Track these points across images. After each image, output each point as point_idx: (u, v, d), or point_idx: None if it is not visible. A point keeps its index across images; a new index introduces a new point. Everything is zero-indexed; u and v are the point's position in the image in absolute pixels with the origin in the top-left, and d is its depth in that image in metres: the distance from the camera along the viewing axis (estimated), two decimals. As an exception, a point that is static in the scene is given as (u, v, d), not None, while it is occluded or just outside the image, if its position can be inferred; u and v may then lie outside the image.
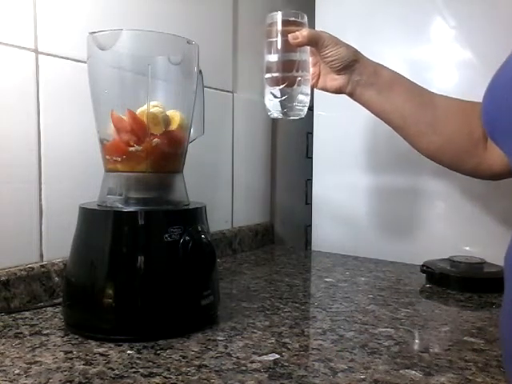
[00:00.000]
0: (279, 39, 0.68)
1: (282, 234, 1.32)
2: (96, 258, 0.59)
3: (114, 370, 0.49)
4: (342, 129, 1.13)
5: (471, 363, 0.53)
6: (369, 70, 0.69)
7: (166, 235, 0.58)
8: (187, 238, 0.59)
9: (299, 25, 0.68)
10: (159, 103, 0.62)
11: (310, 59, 0.71)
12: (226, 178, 1.12)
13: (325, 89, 0.73)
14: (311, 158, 1.19)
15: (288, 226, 1.35)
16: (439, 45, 0.99)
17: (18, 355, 0.52)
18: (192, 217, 0.63)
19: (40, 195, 0.71)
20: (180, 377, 0.48)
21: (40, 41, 0.71)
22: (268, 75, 0.69)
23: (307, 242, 1.33)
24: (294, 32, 0.67)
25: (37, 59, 0.70)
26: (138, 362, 0.51)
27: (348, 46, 0.69)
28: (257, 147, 1.22)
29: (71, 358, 0.52)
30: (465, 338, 0.61)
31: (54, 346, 0.55)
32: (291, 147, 1.35)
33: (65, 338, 0.57)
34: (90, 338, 0.57)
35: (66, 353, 0.53)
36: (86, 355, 0.53)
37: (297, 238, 1.37)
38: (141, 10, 0.86)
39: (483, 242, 0.93)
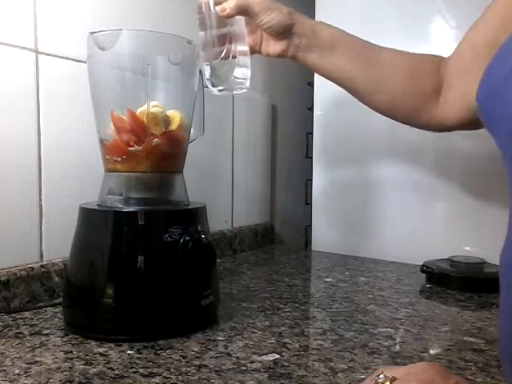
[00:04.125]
0: (208, 14, 0.66)
1: (282, 234, 1.32)
2: (96, 258, 0.59)
3: (114, 370, 0.49)
4: (341, 129, 1.13)
5: (471, 363, 0.53)
6: (307, 31, 0.66)
7: (166, 235, 0.58)
8: (187, 238, 0.59)
9: None
10: (159, 103, 0.62)
11: (246, 28, 0.67)
12: (226, 178, 1.12)
13: (268, 54, 0.70)
14: (311, 158, 1.19)
15: (288, 226, 1.35)
16: (439, 45, 0.99)
17: (17, 355, 0.52)
18: (192, 217, 0.63)
19: (40, 195, 0.71)
20: (180, 377, 0.48)
21: (40, 41, 0.71)
22: (202, 52, 0.67)
23: (307, 241, 1.33)
24: (220, 4, 0.64)
25: (37, 59, 0.70)
26: (137, 362, 0.51)
27: (281, 9, 0.65)
28: (257, 147, 1.22)
29: (71, 358, 0.52)
30: (465, 338, 0.61)
31: (54, 346, 0.55)
32: (291, 147, 1.35)
33: (65, 338, 0.57)
34: (89, 338, 0.57)
35: (66, 353, 0.53)
36: (86, 355, 0.53)
37: (297, 238, 1.37)
38: (141, 10, 0.86)
39: (483, 242, 0.93)
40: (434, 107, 0.65)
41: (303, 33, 0.66)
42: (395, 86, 0.67)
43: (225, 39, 0.66)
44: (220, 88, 0.68)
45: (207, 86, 0.68)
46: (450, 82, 0.64)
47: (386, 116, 0.71)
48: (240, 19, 0.67)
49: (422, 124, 0.69)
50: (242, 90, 0.68)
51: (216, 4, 0.65)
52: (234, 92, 0.69)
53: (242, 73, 0.67)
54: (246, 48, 0.68)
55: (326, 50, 0.66)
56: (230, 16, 0.65)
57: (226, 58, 0.66)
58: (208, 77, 0.68)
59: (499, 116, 0.42)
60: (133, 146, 0.61)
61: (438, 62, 0.66)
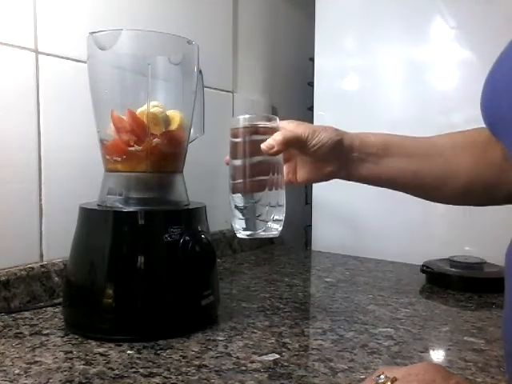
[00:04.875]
0: (243, 141, 0.57)
1: (282, 234, 1.32)
2: (96, 258, 0.59)
3: (114, 370, 0.49)
4: (341, 129, 1.12)
5: (471, 363, 0.53)
6: (356, 143, 0.60)
7: (166, 235, 0.58)
8: (187, 238, 0.59)
9: (269, 130, 0.57)
10: (159, 103, 0.62)
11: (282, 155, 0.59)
12: (225, 177, 1.11)
13: (310, 181, 0.64)
14: (311, 158, 1.19)
15: (288, 226, 1.35)
16: (439, 45, 0.99)
17: (17, 355, 0.52)
18: (192, 217, 0.63)
19: (40, 195, 0.71)
20: (180, 377, 0.48)
21: (40, 41, 0.71)
22: (231, 182, 0.59)
23: (307, 241, 1.33)
24: (263, 139, 0.56)
25: (37, 59, 0.70)
26: (138, 362, 0.51)
27: (325, 128, 0.60)
28: (257, 147, 1.22)
29: (71, 358, 0.52)
30: (465, 338, 0.61)
31: (54, 346, 0.55)
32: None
33: (65, 338, 0.57)
34: (90, 338, 0.57)
35: (66, 353, 0.53)
36: (86, 355, 0.53)
37: (297, 238, 1.37)
38: (141, 10, 0.86)
39: (483, 242, 0.93)
40: (509, 177, 0.56)
41: (353, 146, 0.60)
42: (463, 167, 0.59)
43: (259, 170, 0.58)
44: (252, 232, 0.57)
45: (235, 228, 0.58)
46: None
47: (462, 205, 0.64)
48: None
49: (502, 199, 0.60)
50: (272, 235, 0.59)
51: (255, 133, 0.57)
52: (264, 236, 0.59)
53: (280, 213, 0.58)
54: (282, 180, 0.59)
55: (380, 156, 0.61)
56: (279, 153, 0.57)
57: (259, 190, 0.57)
58: (233, 214, 0.58)
59: (507, 113, 0.42)
60: (133, 146, 0.61)
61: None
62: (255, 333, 0.61)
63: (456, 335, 0.62)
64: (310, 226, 1.20)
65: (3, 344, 0.55)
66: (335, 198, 1.14)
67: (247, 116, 0.58)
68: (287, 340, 0.58)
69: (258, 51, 1.21)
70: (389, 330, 0.63)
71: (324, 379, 0.48)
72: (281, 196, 0.59)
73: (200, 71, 0.68)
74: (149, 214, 0.59)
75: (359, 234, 1.11)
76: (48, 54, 0.72)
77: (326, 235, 1.17)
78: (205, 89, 0.71)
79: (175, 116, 0.64)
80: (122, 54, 0.62)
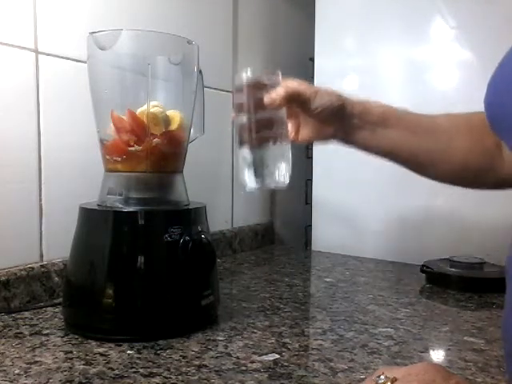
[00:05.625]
0: (249, 97, 0.58)
1: (282, 234, 1.32)
2: (96, 258, 0.59)
3: (114, 370, 0.49)
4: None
5: (471, 363, 0.53)
6: (358, 110, 0.61)
7: (166, 235, 0.58)
8: (187, 238, 0.59)
9: (272, 85, 0.59)
10: (159, 103, 0.62)
11: (285, 111, 0.60)
12: (225, 177, 1.12)
13: (311, 140, 0.65)
14: (311, 158, 1.19)
15: (288, 226, 1.35)
16: (439, 45, 0.99)
17: (17, 355, 0.52)
18: (192, 217, 0.63)
19: (40, 195, 0.71)
20: (180, 377, 0.48)
21: (40, 41, 0.71)
22: (238, 138, 0.59)
23: (307, 241, 1.33)
24: (267, 93, 0.58)
25: (37, 59, 0.70)
26: (138, 361, 0.51)
27: (329, 91, 0.61)
28: (257, 147, 1.22)
29: (71, 358, 0.52)
30: (465, 338, 0.61)
31: (54, 346, 0.55)
32: (291, 147, 1.35)
33: (65, 338, 0.57)
34: (90, 338, 0.57)
35: (66, 353, 0.53)
36: (86, 355, 0.53)
37: (297, 238, 1.37)
38: (141, 10, 0.86)
39: (483, 242, 0.93)
40: (499, 164, 0.60)
41: (355, 112, 0.61)
42: (460, 150, 0.61)
43: (264, 125, 0.59)
44: (260, 185, 0.58)
45: (244, 181, 0.59)
46: None
47: (451, 184, 0.65)
48: None
49: (490, 184, 0.63)
50: (285, 184, 0.59)
51: (258, 89, 0.58)
52: (272, 187, 0.60)
53: (286, 166, 0.59)
54: (286, 133, 0.61)
55: (379, 125, 0.62)
56: (281, 107, 0.58)
57: (264, 144, 0.58)
58: (242, 168, 0.59)
59: (510, 111, 0.42)
60: (133, 146, 0.61)
61: None
62: (255, 333, 0.61)
63: (456, 335, 0.62)
64: (310, 226, 1.20)
65: (3, 344, 0.55)
66: (335, 198, 1.14)
67: (250, 72, 0.59)
68: (287, 340, 0.58)
69: (257, 51, 1.21)
70: (389, 330, 0.63)
71: (324, 379, 0.48)
72: (286, 149, 0.60)
73: (200, 71, 0.68)
74: (149, 214, 0.59)
75: (359, 234, 1.11)
76: (48, 54, 0.72)
77: (326, 235, 1.17)
78: (205, 89, 0.71)
79: (175, 116, 0.64)
80: (121, 54, 0.62)
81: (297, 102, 0.60)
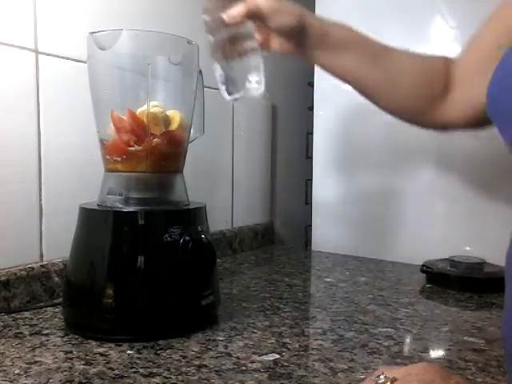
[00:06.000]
0: (215, 17, 0.62)
1: (282, 234, 1.32)
2: (96, 258, 0.59)
3: (114, 370, 0.49)
4: (342, 129, 1.13)
5: (471, 363, 0.53)
6: (317, 32, 0.64)
7: (166, 235, 0.58)
8: (187, 238, 0.59)
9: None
10: (159, 103, 0.62)
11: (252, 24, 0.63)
12: (226, 177, 1.12)
13: (283, 51, 0.67)
14: (311, 157, 1.19)
15: (288, 226, 1.35)
16: (439, 45, 0.99)
17: (17, 355, 0.52)
18: (192, 217, 0.63)
19: (40, 195, 0.71)
20: (180, 377, 0.48)
21: (40, 41, 0.71)
22: (212, 56, 0.63)
23: (307, 241, 1.33)
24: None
25: (37, 59, 0.70)
26: (138, 361, 0.51)
27: (291, 10, 0.62)
28: (257, 147, 1.22)
29: (71, 358, 0.52)
30: (465, 338, 0.61)
31: (54, 346, 0.55)
32: (291, 147, 1.35)
33: (65, 338, 0.57)
34: (90, 338, 0.57)
35: (66, 353, 0.53)
36: (86, 355, 0.53)
37: (297, 238, 1.37)
38: (141, 10, 0.86)
39: (483, 242, 0.93)
40: (440, 110, 0.65)
41: (313, 33, 0.64)
42: (405, 91, 0.66)
43: (234, 40, 0.63)
44: (236, 96, 0.64)
45: (225, 97, 0.64)
46: (458, 83, 0.64)
47: (393, 116, 0.70)
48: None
49: (426, 124, 0.69)
50: (259, 93, 0.64)
51: (223, 8, 0.62)
52: (250, 97, 0.65)
53: (257, 75, 0.64)
54: (256, 46, 0.64)
55: (336, 50, 0.65)
56: (240, 23, 0.62)
57: (236, 57, 0.63)
58: (222, 84, 0.64)
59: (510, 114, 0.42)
60: (133, 146, 0.61)
61: (447, 63, 0.65)
62: (255, 333, 0.61)
63: (456, 335, 0.62)
64: (310, 226, 1.20)
65: (3, 344, 0.55)
66: (335, 198, 1.14)
67: None
68: (287, 340, 0.58)
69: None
70: (389, 330, 0.63)
71: (324, 379, 0.48)
72: (256, 60, 0.64)
73: (200, 71, 0.68)
74: (149, 214, 0.59)
75: (359, 234, 1.11)
76: (48, 54, 0.72)
77: (326, 235, 1.17)
78: (205, 89, 0.71)
79: (175, 116, 0.64)
80: (122, 53, 0.62)
81: (256, 19, 0.62)
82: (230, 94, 0.64)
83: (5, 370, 0.48)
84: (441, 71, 0.65)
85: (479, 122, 0.59)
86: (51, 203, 0.73)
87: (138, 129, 0.61)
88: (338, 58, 0.65)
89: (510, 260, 0.44)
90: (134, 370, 0.49)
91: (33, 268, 0.70)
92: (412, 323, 0.66)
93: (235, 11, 0.61)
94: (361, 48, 0.66)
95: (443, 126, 0.68)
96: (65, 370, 0.49)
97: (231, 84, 0.64)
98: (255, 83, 0.63)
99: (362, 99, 0.68)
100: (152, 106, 0.61)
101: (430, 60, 0.66)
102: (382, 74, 0.66)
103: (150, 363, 0.51)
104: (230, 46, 0.63)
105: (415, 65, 0.66)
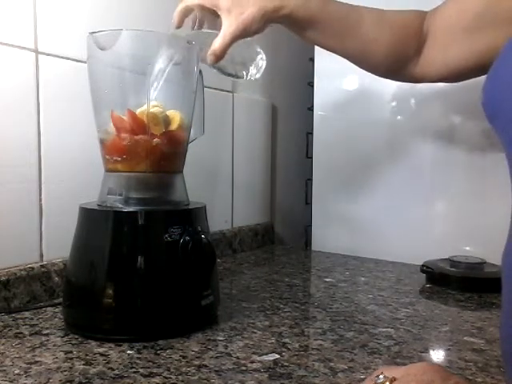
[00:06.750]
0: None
1: (282, 234, 1.32)
2: (96, 258, 0.59)
3: (114, 370, 0.49)
4: (342, 129, 1.13)
5: (471, 363, 0.53)
6: (283, 13, 0.66)
7: (166, 235, 0.58)
8: (187, 238, 0.59)
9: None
10: (159, 103, 0.62)
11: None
12: (225, 177, 1.12)
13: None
14: (311, 158, 1.19)
15: (288, 226, 1.35)
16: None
17: (17, 355, 0.52)
18: (192, 217, 0.63)
19: (40, 195, 0.71)
20: (180, 377, 0.48)
21: (40, 41, 0.71)
22: (203, 60, 0.67)
23: (307, 241, 1.33)
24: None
25: (37, 59, 0.70)
26: (138, 362, 0.51)
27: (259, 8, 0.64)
28: (257, 147, 1.22)
29: (71, 358, 0.52)
30: (465, 338, 0.61)
31: (54, 346, 0.55)
32: (291, 147, 1.35)
33: (65, 338, 0.57)
34: (90, 338, 0.57)
35: (66, 353, 0.53)
36: (86, 355, 0.53)
37: (297, 238, 1.37)
38: (141, 10, 0.86)
39: (483, 242, 0.93)
40: (414, 65, 0.68)
41: (280, 16, 0.66)
42: (378, 57, 0.69)
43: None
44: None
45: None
46: (433, 40, 0.67)
47: (368, 72, 0.75)
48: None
49: (400, 79, 0.74)
50: (256, 77, 0.70)
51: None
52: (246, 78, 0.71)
53: (252, 68, 0.70)
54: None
55: (306, 29, 0.68)
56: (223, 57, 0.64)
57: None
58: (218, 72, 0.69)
59: (508, 114, 0.42)
60: (132, 146, 0.61)
61: (421, 19, 0.68)
62: (255, 333, 0.61)
63: (456, 335, 0.62)
64: (310, 226, 1.20)
65: (3, 344, 0.55)
66: (335, 198, 1.14)
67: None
68: (287, 340, 0.58)
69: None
70: (389, 330, 0.63)
71: (324, 379, 0.48)
72: (249, 52, 0.69)
73: (200, 71, 0.68)
74: (149, 214, 0.59)
75: (359, 234, 1.11)
76: (48, 54, 0.72)
77: (325, 235, 1.17)
78: (205, 89, 0.71)
79: (175, 116, 0.64)
80: (122, 54, 0.62)
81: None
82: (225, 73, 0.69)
83: (5, 370, 0.49)
84: (415, 30, 0.67)
85: (452, 76, 0.66)
86: (51, 203, 0.73)
87: (138, 129, 0.61)
88: (312, 35, 0.69)
89: (506, 260, 0.44)
90: (133, 370, 0.49)
91: (33, 268, 0.70)
92: (412, 323, 0.66)
93: (217, 50, 0.63)
94: (327, 25, 0.68)
95: (418, 81, 0.72)
96: (65, 370, 0.49)
97: (225, 73, 0.69)
98: (250, 76, 0.70)
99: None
100: (152, 106, 0.61)
101: (402, 20, 0.69)
102: (352, 46, 0.69)
103: (150, 363, 0.51)
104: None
105: (387, 32, 0.69)
